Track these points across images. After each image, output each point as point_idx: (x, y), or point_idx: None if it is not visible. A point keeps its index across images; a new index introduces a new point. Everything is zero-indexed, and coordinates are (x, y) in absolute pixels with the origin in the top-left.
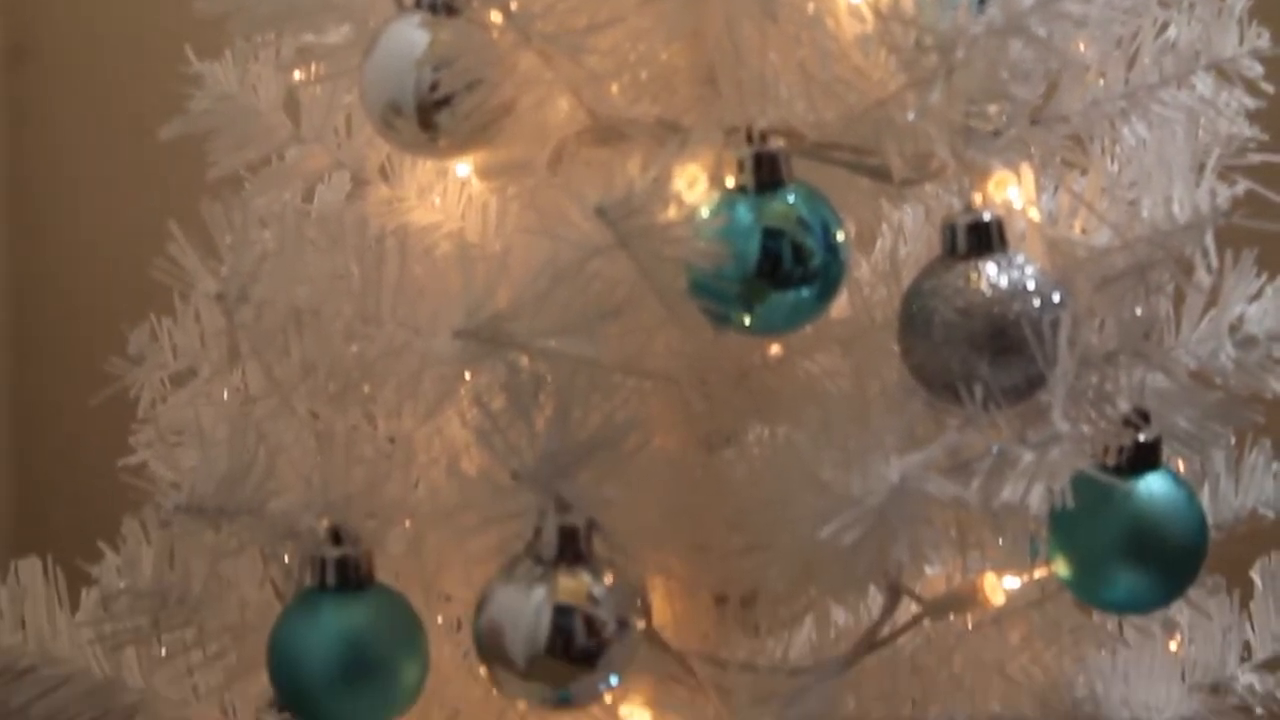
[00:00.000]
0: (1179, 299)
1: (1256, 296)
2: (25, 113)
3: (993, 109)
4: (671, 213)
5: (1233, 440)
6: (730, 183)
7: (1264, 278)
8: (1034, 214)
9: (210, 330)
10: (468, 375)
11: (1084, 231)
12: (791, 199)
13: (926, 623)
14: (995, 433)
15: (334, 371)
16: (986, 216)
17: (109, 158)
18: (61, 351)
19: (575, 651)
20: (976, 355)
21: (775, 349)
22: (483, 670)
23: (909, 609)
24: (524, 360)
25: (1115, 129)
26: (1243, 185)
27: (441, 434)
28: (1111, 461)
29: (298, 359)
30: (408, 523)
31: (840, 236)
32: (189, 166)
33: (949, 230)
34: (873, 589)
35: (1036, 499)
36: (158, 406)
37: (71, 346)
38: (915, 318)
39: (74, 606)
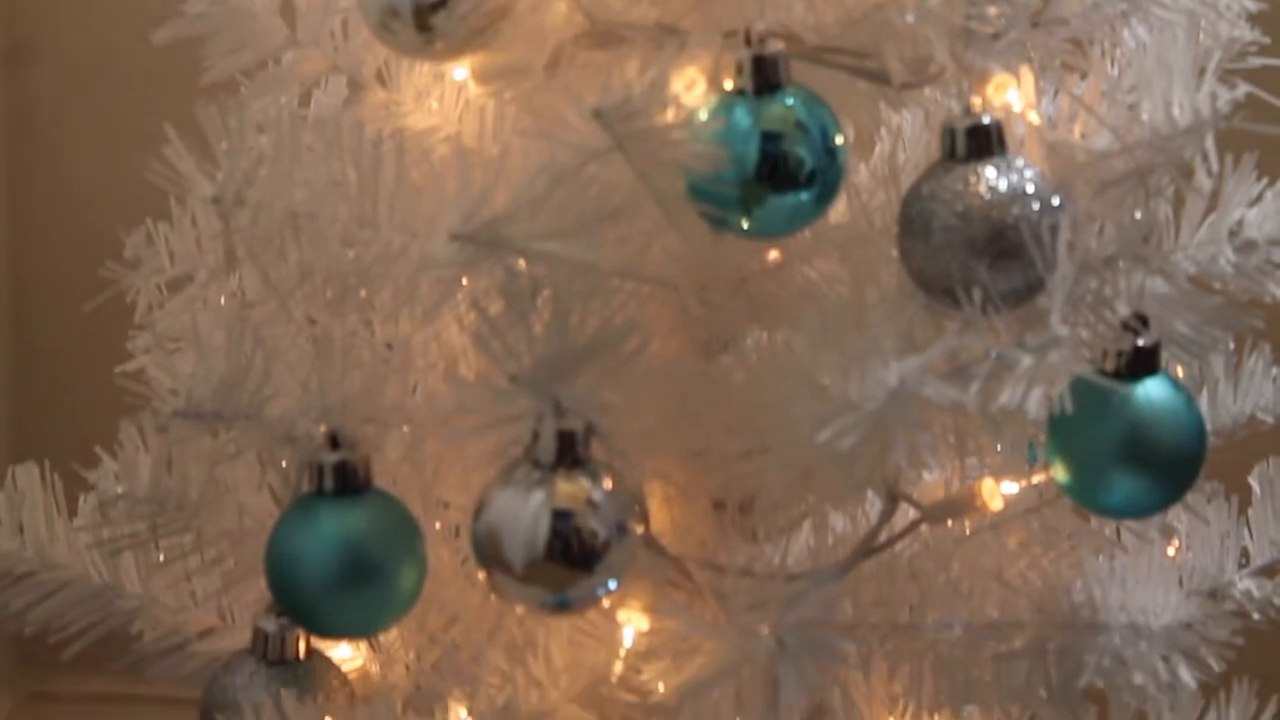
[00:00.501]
0: (1178, 203)
1: (1256, 201)
2: (21, 20)
3: (992, 11)
4: (669, 116)
5: (1232, 345)
6: (729, 86)
7: (1264, 182)
8: (1033, 117)
9: (206, 235)
10: (465, 280)
11: (1083, 135)
12: (790, 102)
13: (924, 529)
14: (994, 337)
15: (331, 276)
16: (986, 120)
17: (105, 62)
18: (57, 257)
19: (573, 556)
20: (975, 259)
21: (774, 254)
22: (481, 575)
23: (907, 515)
24: (521, 264)
25: (1115, 32)
26: (1243, 89)
27: (439, 339)
28: (1110, 366)
29: (294, 263)
30: (405, 428)
31: (839, 140)
32: (184, 70)
33: (948, 134)
34: (871, 495)
35: (1035, 403)
36: (154, 312)
37: (67, 252)
38: (914, 222)
39: (72, 512)
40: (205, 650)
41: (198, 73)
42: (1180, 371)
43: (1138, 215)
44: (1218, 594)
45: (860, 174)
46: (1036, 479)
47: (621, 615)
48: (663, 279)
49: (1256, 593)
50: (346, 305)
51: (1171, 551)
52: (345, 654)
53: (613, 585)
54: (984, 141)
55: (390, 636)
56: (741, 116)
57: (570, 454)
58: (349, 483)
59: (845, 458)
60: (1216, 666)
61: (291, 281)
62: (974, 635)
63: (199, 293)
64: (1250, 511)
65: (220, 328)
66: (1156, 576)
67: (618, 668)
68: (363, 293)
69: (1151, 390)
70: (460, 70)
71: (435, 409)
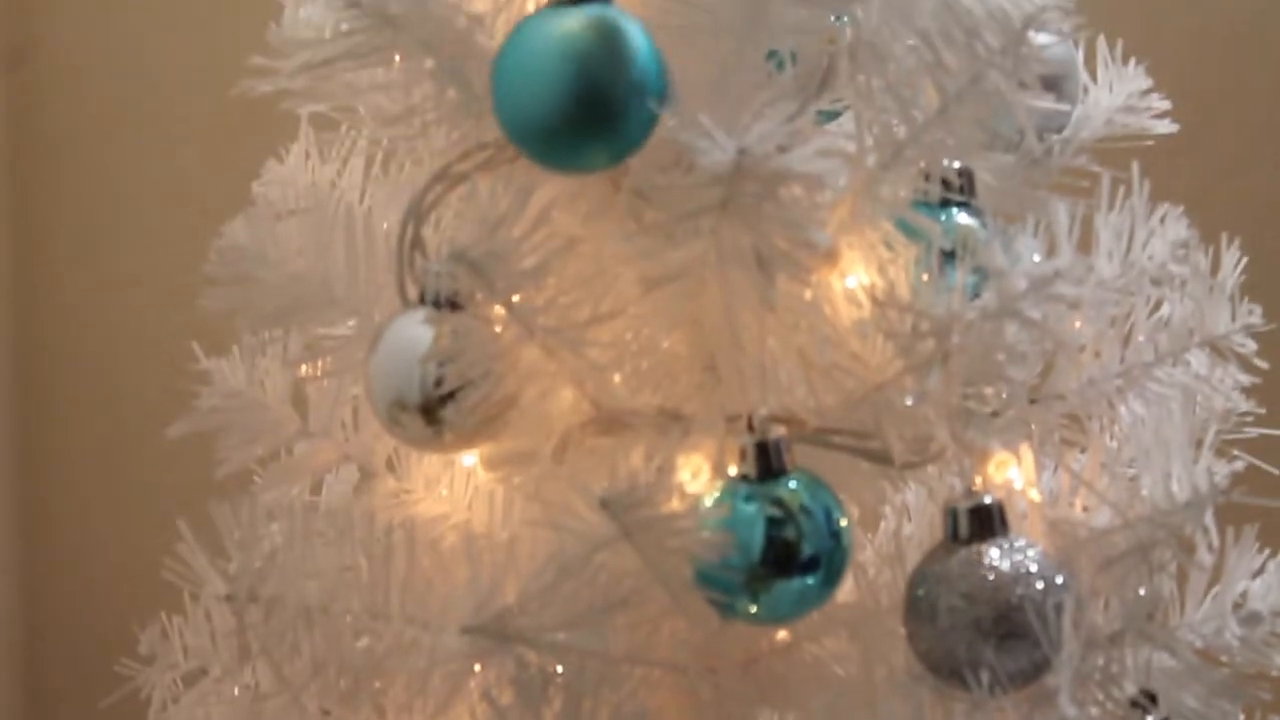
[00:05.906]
0: (1182, 577)
1: (1259, 572)
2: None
3: (989, 391)
4: (675, 504)
5: (1241, 719)
6: (733, 471)
7: (1266, 554)
8: (1034, 495)
9: (221, 629)
10: (477, 668)
11: (1085, 510)
12: (794, 486)
13: None
14: (1003, 718)
15: (344, 669)
16: (987, 500)
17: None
18: (74, 652)
19: None
20: (982, 640)
21: (782, 634)
22: None
23: None
24: (532, 655)
25: (1112, 407)
26: (1241, 460)
27: None
28: None
29: (308, 657)
30: None
31: (843, 523)
32: (197, 463)
33: (951, 515)
34: None
35: None
36: (169, 708)
37: (82, 650)
38: (920, 604)
39: None
40: None
41: (210, 464)
42: None
43: (1141, 591)
44: None
45: (866, 552)
46: None
47: None
48: (672, 663)
49: None
50: (360, 698)
51: None
52: None
53: None
54: (986, 522)
55: None
56: (746, 503)
57: None
58: None
59: None
60: None
61: (305, 675)
62: None
63: (213, 687)
64: None
65: None
66: None
67: None
68: (376, 684)
69: None
70: (469, 456)
71: None
